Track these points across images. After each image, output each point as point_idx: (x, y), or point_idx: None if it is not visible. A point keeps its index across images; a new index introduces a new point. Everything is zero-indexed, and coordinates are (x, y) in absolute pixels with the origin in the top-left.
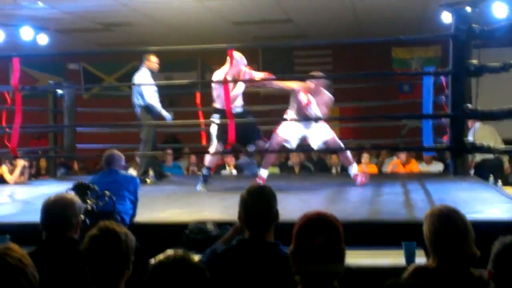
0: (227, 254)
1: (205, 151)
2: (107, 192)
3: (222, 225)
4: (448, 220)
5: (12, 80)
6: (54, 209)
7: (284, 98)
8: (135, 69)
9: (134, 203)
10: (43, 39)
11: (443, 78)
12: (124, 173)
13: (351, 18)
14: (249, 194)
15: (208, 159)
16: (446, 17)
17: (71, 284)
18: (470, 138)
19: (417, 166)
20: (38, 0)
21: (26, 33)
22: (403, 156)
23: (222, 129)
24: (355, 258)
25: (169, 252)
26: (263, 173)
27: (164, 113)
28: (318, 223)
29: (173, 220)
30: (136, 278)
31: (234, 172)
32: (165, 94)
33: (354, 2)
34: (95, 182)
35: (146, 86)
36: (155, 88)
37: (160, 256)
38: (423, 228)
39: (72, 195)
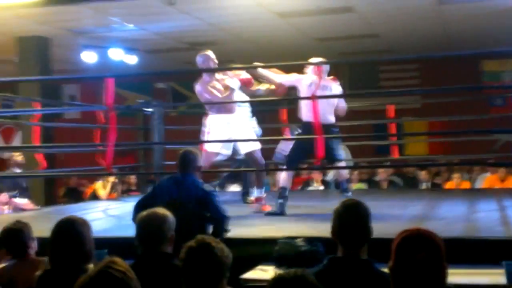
0: (321, 272)
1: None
2: None
3: (312, 241)
4: None
5: (107, 100)
6: (150, 224)
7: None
8: None
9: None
10: (131, 59)
11: None
12: (199, 183)
13: (440, 31)
14: (345, 208)
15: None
16: None
17: None
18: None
19: None
20: (129, 22)
21: (116, 54)
22: (502, 171)
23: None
24: (451, 276)
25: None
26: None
27: None
28: (419, 240)
29: (263, 235)
30: None
31: (321, 187)
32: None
33: (443, 16)
34: (164, 185)
35: None
36: None
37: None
38: None
39: (164, 210)
